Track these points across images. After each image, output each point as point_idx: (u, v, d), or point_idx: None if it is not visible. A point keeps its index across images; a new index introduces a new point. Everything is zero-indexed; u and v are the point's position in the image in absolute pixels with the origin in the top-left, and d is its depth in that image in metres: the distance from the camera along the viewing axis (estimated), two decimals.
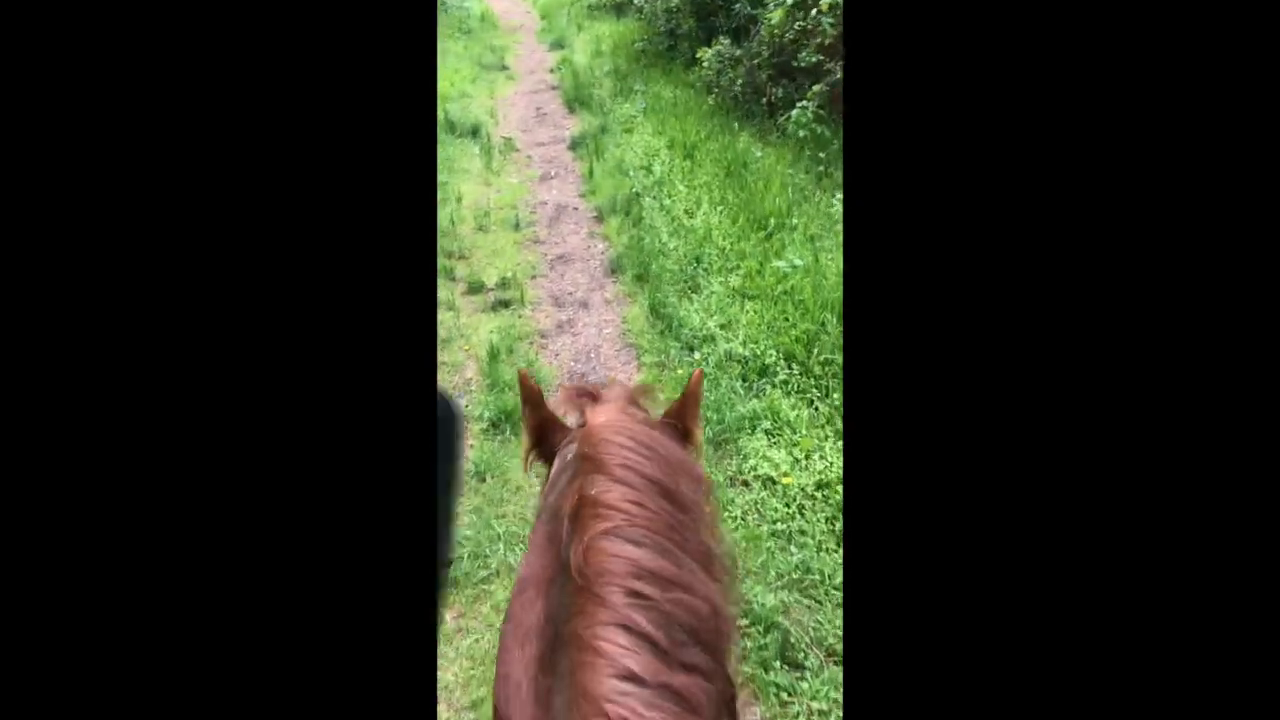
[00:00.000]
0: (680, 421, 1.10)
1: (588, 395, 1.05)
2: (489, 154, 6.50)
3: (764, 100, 6.28)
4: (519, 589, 0.90)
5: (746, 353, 3.60)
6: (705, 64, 6.83)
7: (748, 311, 3.94)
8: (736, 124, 6.18)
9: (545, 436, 1.11)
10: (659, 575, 0.72)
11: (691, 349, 3.72)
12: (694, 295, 4.17)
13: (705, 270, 4.35)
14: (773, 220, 4.59)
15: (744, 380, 3.45)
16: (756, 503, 2.82)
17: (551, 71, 9.19)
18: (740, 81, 6.43)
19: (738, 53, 6.53)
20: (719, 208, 4.96)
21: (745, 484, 2.94)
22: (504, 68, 9.68)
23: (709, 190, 5.22)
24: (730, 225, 4.72)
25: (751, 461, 2.99)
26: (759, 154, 5.48)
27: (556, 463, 1.01)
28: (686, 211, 5.06)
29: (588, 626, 0.69)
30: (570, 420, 1.09)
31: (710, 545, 0.83)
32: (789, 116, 5.54)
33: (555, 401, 1.12)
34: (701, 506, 0.86)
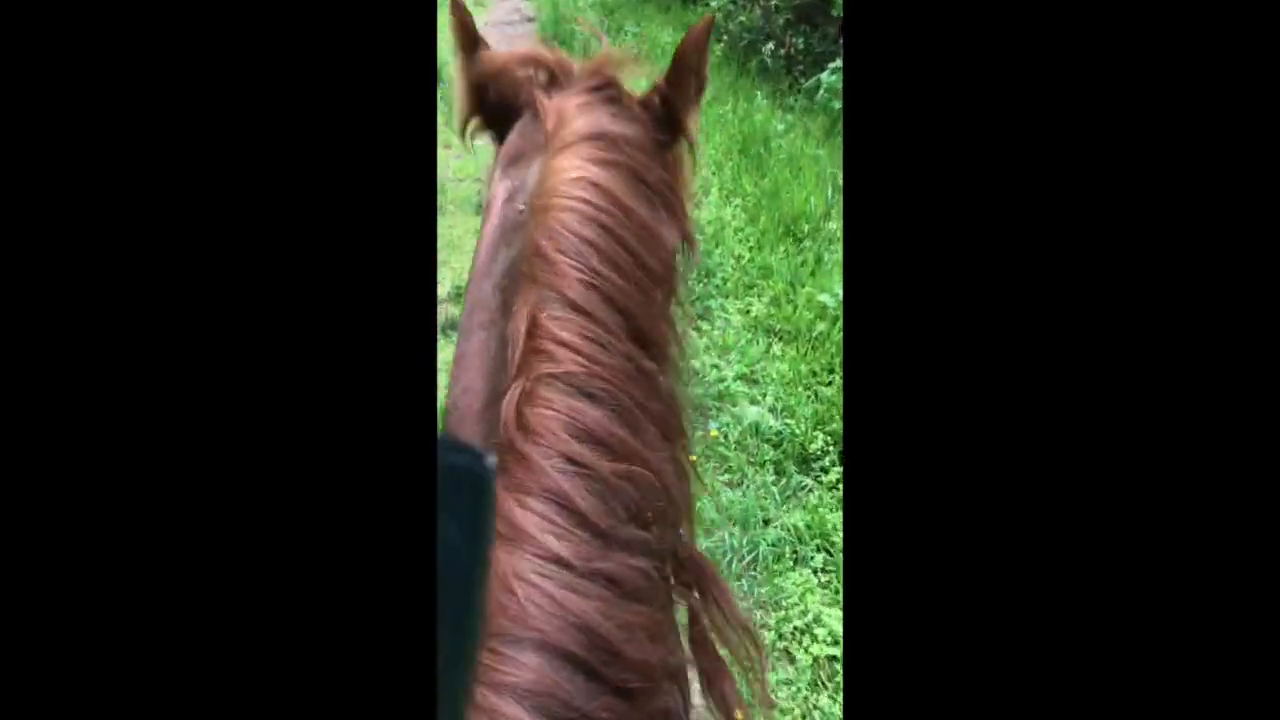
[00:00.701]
0: (669, 103, 0.85)
1: (546, 67, 0.83)
2: (449, 104, 5.40)
3: (781, 52, 5.22)
4: (457, 374, 0.77)
5: (780, 426, 2.70)
6: (712, 1, 5.71)
7: (776, 357, 3.02)
8: (752, 83, 5.12)
9: (486, 99, 0.89)
10: (607, 441, 0.63)
11: (702, 412, 2.80)
12: (702, 326, 3.22)
13: (718, 289, 3.41)
14: (805, 224, 3.62)
15: (778, 472, 2.56)
16: (807, 701, 1.96)
17: None
18: (754, 26, 5.35)
19: None
20: (733, 199, 3.97)
21: (789, 656, 2.08)
22: None
23: (719, 171, 4.22)
24: (748, 225, 3.75)
25: (796, 623, 2.13)
26: (782, 127, 4.46)
27: (502, 190, 0.80)
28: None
29: (513, 491, 0.60)
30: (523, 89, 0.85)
31: (673, 393, 0.73)
32: (818, 81, 4.51)
33: (508, 59, 0.87)
34: (674, 339, 0.76)
